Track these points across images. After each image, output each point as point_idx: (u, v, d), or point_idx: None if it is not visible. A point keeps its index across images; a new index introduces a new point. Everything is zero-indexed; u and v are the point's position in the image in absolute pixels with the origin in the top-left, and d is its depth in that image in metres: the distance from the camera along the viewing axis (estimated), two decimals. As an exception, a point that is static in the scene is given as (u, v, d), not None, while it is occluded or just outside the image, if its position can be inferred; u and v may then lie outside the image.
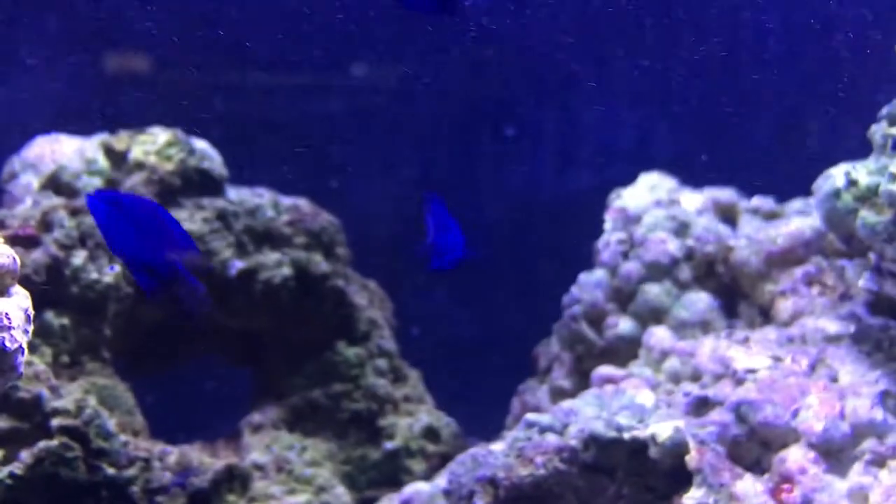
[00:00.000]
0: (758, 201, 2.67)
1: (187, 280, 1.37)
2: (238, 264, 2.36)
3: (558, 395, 2.48)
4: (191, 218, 2.30)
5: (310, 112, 3.67)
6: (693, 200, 2.61)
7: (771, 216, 2.61)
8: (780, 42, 3.40)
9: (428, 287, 3.62)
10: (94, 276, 2.06)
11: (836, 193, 2.02)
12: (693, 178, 2.81)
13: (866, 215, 1.96)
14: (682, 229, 2.50)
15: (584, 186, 3.53)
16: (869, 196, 1.98)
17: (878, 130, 2.05)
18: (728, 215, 2.68)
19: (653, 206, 2.58)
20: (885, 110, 2.08)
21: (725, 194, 2.67)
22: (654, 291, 2.41)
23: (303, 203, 2.55)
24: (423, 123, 3.66)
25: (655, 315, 2.40)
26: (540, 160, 3.67)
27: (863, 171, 2.02)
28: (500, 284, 3.61)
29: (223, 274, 2.35)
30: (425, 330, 3.52)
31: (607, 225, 2.62)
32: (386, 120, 3.68)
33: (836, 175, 2.04)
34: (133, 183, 2.26)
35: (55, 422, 1.94)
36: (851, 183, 2.01)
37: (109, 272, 2.09)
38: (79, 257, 2.06)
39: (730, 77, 3.27)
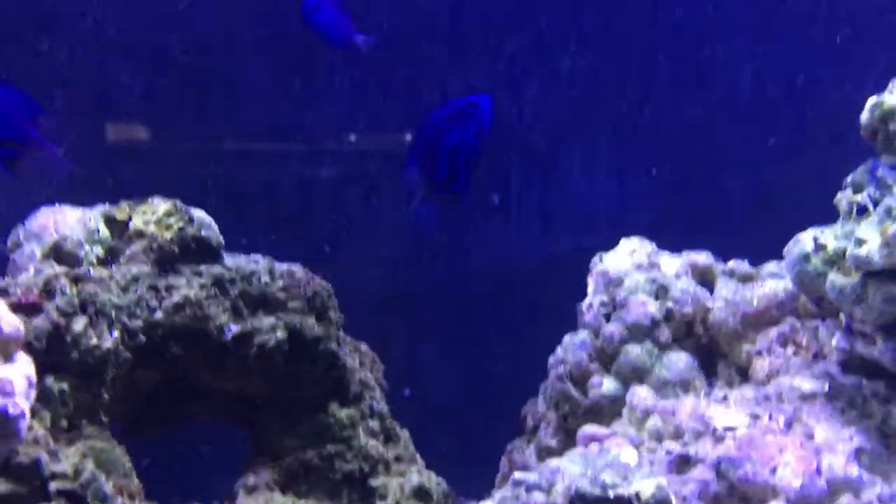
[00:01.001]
0: (733, 264, 2.78)
1: (42, 144, 1.40)
2: (233, 329, 2.43)
3: (545, 453, 2.54)
4: (188, 284, 2.38)
5: (305, 177, 3.79)
6: (671, 264, 2.72)
7: (746, 278, 2.71)
8: (756, 110, 3.55)
9: (418, 348, 3.70)
10: (94, 341, 2.13)
11: (806, 257, 2.13)
12: (673, 241, 2.92)
13: (835, 278, 2.06)
14: (661, 291, 2.60)
15: (568, 250, 3.64)
16: (836, 260, 2.08)
17: (844, 197, 2.17)
18: (705, 278, 2.78)
19: (633, 269, 2.69)
20: (849, 178, 2.21)
21: (702, 257, 2.77)
22: (635, 352, 2.49)
23: (297, 268, 2.63)
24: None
25: (638, 374, 2.48)
26: (526, 225, 3.79)
27: (830, 236, 2.13)
28: (489, 344, 3.69)
29: (219, 338, 2.41)
30: (416, 390, 3.59)
31: (590, 288, 2.72)
32: (377, 184, 3.80)
33: (805, 240, 2.15)
34: (133, 251, 2.35)
35: (53, 485, 1.98)
36: (820, 247, 2.12)
37: (110, 338, 2.16)
38: (79, 324, 2.13)
39: (707, 145, 3.42)
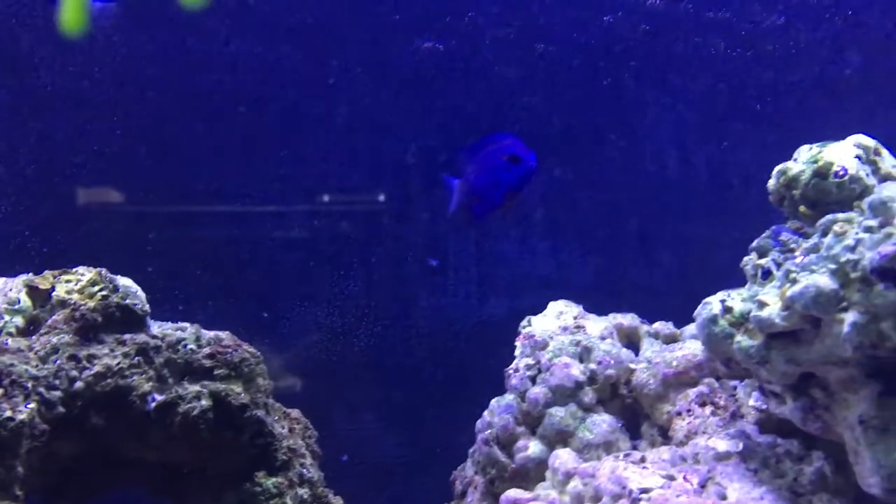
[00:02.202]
0: (658, 325, 2.84)
1: None
2: (157, 398, 2.42)
3: (473, 519, 2.54)
4: (111, 353, 2.37)
5: (242, 243, 3.81)
6: (597, 326, 2.77)
7: (670, 339, 2.77)
8: (680, 180, 3.68)
9: (356, 414, 3.69)
10: (8, 413, 2.10)
11: (714, 319, 2.19)
12: (604, 304, 2.99)
13: (741, 340, 2.12)
14: (585, 354, 2.64)
15: (503, 313, 3.69)
16: (742, 322, 2.15)
17: (749, 262, 2.25)
18: (632, 339, 2.84)
19: (559, 331, 2.73)
20: (754, 243, 2.29)
21: (627, 319, 2.83)
22: (559, 414, 2.52)
23: (224, 335, 2.63)
24: (352, 252, 3.82)
25: (562, 437, 2.50)
26: (463, 289, 3.84)
27: (737, 299, 2.20)
28: (427, 408, 3.69)
29: (142, 407, 2.40)
30: (354, 456, 3.57)
31: (517, 351, 2.75)
32: (313, 250, 3.83)
33: (713, 302, 2.22)
34: (54, 320, 2.34)
35: (-38, 563, 1.94)
36: (727, 310, 2.18)
37: (25, 409, 2.14)
38: (-6, 395, 2.11)
39: (635, 214, 3.53)
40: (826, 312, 1.89)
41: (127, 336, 2.44)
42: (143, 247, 3.52)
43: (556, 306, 2.86)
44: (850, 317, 1.85)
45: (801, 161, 2.38)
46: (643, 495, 2.11)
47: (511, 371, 2.70)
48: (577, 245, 3.73)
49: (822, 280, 1.90)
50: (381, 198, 3.67)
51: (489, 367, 3.03)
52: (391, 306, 3.66)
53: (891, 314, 1.81)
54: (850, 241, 1.89)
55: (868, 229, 1.89)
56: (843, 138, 2.36)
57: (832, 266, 1.91)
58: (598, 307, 2.96)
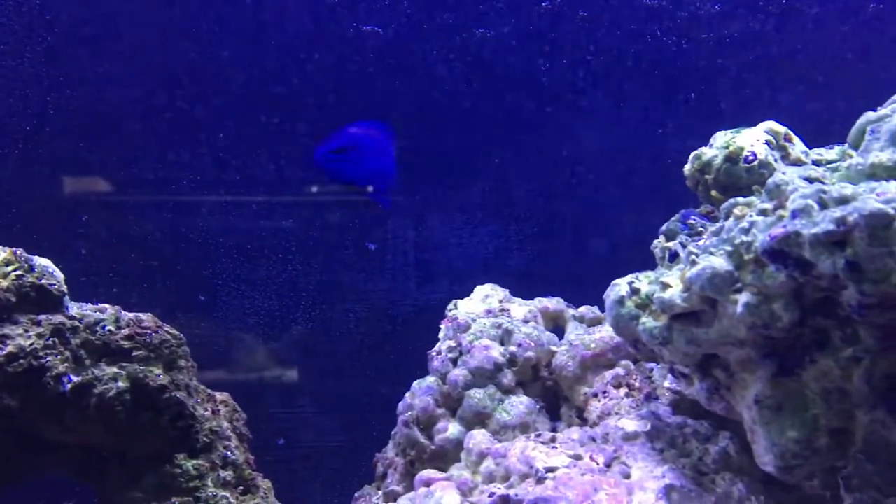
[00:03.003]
0: (584, 309, 2.87)
1: None
2: (72, 379, 2.41)
3: (392, 499, 2.55)
4: (24, 334, 2.36)
5: (179, 228, 3.79)
6: (521, 309, 2.79)
7: (594, 323, 2.80)
8: (615, 167, 3.71)
9: (293, 397, 3.70)
10: (-89, 393, 2.09)
11: (621, 301, 2.21)
12: (541, 289, 3.00)
13: (646, 321, 2.15)
14: (506, 336, 2.66)
15: (440, 298, 3.70)
16: (648, 303, 2.17)
17: (658, 245, 2.28)
18: (557, 323, 2.86)
19: (483, 314, 2.75)
20: (664, 227, 2.32)
21: (553, 303, 2.86)
22: (478, 396, 2.54)
23: (146, 317, 2.62)
24: (290, 237, 3.81)
25: (480, 419, 2.52)
26: (400, 272, 3.85)
27: (644, 281, 2.23)
28: (362, 392, 3.71)
29: (57, 389, 2.39)
30: (290, 439, 3.58)
31: (441, 333, 2.77)
32: (256, 234, 3.82)
33: (622, 284, 2.24)
34: (-35, 301, 2.32)
35: None
36: (634, 291, 2.21)
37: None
38: None
39: (571, 199, 3.55)
40: (721, 293, 1.92)
41: (42, 317, 2.43)
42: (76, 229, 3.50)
43: (482, 290, 2.88)
44: (743, 297, 1.88)
45: (716, 146, 2.41)
46: (549, 474, 2.13)
47: (434, 353, 2.71)
48: (515, 230, 3.75)
49: (718, 262, 1.92)
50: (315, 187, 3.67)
51: (422, 352, 3.05)
52: (330, 287, 3.66)
53: (781, 295, 1.84)
54: (745, 224, 1.92)
55: (763, 212, 1.91)
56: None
57: (728, 248, 1.93)
58: (538, 293, 2.98)
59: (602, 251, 3.77)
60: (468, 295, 2.99)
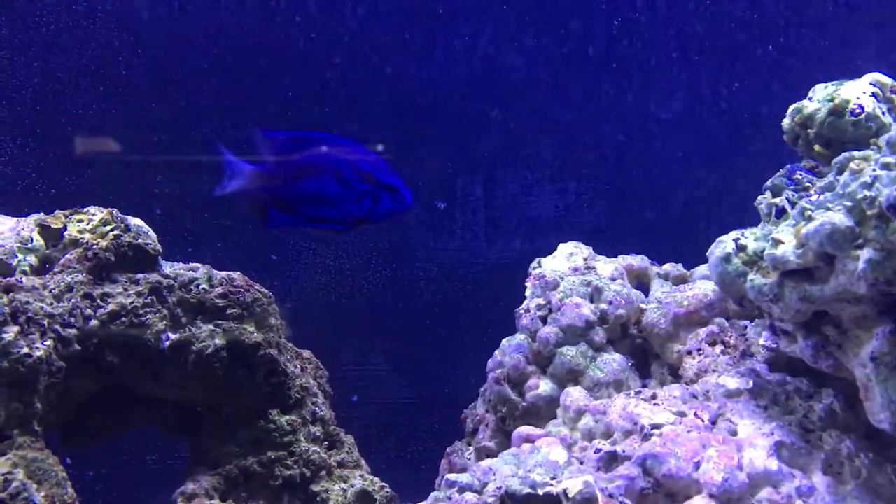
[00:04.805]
0: (668, 267, 2.84)
1: None
2: (171, 336, 2.44)
3: (484, 455, 2.58)
4: (124, 292, 2.38)
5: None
6: (607, 267, 2.77)
7: (679, 280, 2.78)
8: (689, 123, 3.65)
9: (366, 355, 3.72)
10: (25, 350, 2.12)
11: (727, 258, 2.19)
12: (613, 246, 2.99)
13: (754, 278, 2.12)
14: (595, 294, 2.65)
15: (511, 256, 3.69)
16: (756, 260, 2.15)
17: (763, 200, 2.24)
18: (641, 281, 2.84)
19: (570, 272, 2.74)
20: (768, 182, 2.28)
21: (637, 261, 2.84)
22: (570, 353, 2.54)
23: (236, 276, 2.64)
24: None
25: (573, 376, 2.52)
26: (472, 231, 3.84)
27: (751, 238, 2.20)
28: (434, 350, 3.72)
29: (156, 346, 2.41)
30: (364, 397, 3.61)
31: (528, 292, 2.76)
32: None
33: (727, 241, 2.21)
34: (67, 259, 2.35)
35: (-18, 496, 1.97)
36: (740, 248, 2.19)
37: (42, 346, 2.15)
38: (9, 333, 2.12)
39: (643, 156, 3.50)
40: (841, 250, 1.89)
41: (140, 276, 2.45)
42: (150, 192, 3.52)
43: (566, 248, 2.86)
44: (865, 253, 1.85)
45: (817, 99, 2.35)
46: (654, 430, 2.14)
47: (522, 311, 2.71)
48: (587, 189, 3.72)
49: (838, 217, 1.89)
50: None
51: (498, 309, 3.05)
52: (400, 245, 3.65)
53: (907, 251, 1.81)
54: (866, 178, 1.88)
55: (886, 166, 1.87)
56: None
57: (848, 203, 1.90)
58: (611, 251, 2.96)
59: (675, 208, 3.73)
60: (539, 254, 2.97)
